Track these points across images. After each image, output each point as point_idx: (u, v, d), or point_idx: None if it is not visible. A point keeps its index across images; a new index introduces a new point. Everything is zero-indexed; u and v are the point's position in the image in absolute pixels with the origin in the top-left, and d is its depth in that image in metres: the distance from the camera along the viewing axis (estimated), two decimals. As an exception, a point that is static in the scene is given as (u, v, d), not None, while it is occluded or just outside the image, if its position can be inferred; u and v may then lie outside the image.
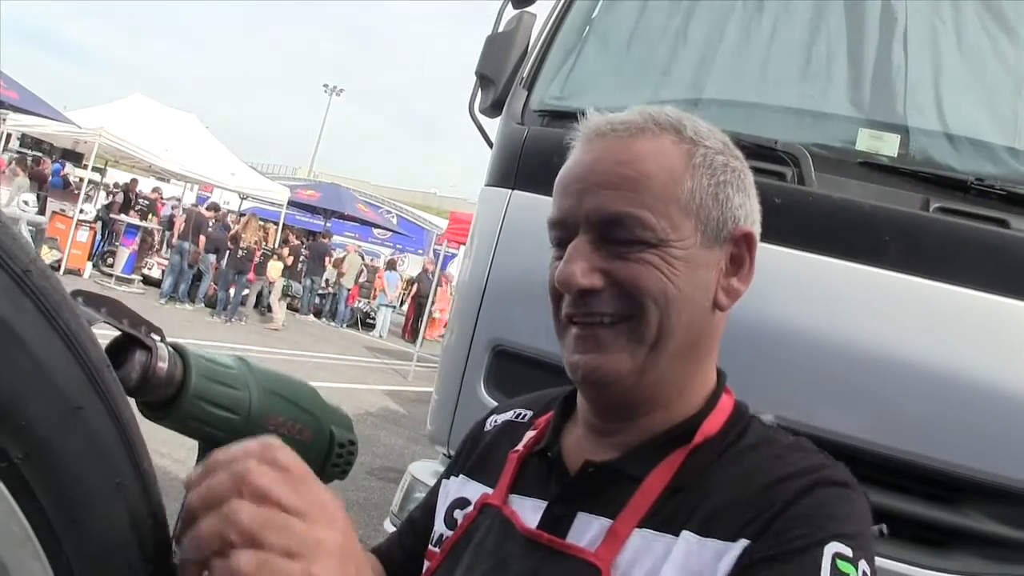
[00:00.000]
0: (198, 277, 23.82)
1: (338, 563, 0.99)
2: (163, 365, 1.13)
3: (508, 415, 1.95)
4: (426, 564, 1.76)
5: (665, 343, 1.49)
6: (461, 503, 1.78)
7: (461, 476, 1.86)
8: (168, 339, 1.18)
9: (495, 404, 3.76)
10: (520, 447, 1.76)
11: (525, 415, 1.91)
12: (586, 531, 1.49)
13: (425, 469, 4.31)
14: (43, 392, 0.86)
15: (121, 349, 1.11)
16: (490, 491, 1.72)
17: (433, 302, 26.81)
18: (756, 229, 1.60)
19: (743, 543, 1.32)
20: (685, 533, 1.38)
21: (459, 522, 1.73)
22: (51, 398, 0.87)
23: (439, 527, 1.80)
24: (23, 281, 0.85)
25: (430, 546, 1.80)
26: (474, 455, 1.89)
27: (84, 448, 0.91)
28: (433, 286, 26.83)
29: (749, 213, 1.59)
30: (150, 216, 29.09)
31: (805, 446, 1.52)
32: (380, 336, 30.21)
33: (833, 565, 1.26)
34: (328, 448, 1.42)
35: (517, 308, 3.91)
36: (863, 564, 1.29)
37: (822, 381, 3.30)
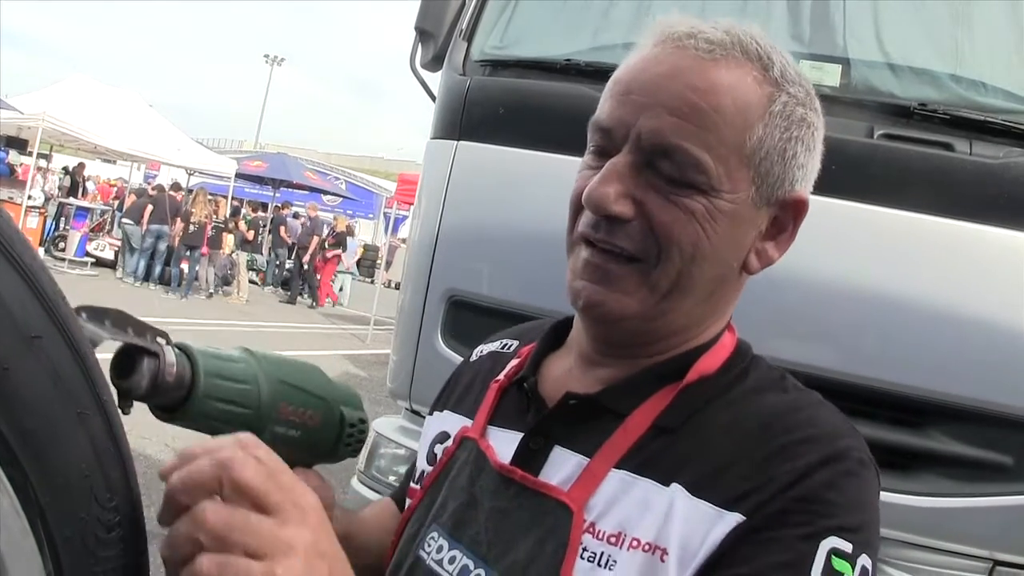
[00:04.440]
0: (152, 256, 23.61)
1: (305, 563, 0.98)
2: (171, 370, 1.12)
3: (494, 345, 1.85)
4: (408, 503, 1.70)
5: (679, 296, 1.37)
6: (442, 437, 1.70)
7: (445, 411, 1.77)
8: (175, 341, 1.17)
9: (454, 356, 3.83)
10: (501, 377, 1.66)
11: (511, 345, 1.80)
12: (561, 468, 1.39)
13: (389, 425, 4.32)
14: (1, 321, 0.86)
15: (128, 357, 1.10)
16: (469, 423, 1.62)
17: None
18: (808, 194, 1.44)
19: (737, 518, 1.21)
20: (676, 487, 1.27)
21: (439, 457, 1.65)
22: (9, 327, 0.87)
23: (421, 463, 1.73)
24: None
25: (412, 483, 1.73)
26: (458, 389, 1.80)
27: (44, 377, 0.91)
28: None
29: (807, 176, 1.43)
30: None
31: (818, 400, 1.40)
32: (341, 304, 30.10)
33: (827, 563, 1.16)
34: (339, 429, 1.40)
35: (470, 258, 3.93)
36: (863, 559, 1.19)
37: (778, 314, 3.32)
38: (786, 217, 1.44)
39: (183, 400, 1.14)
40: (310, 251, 26.93)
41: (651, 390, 1.40)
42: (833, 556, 1.16)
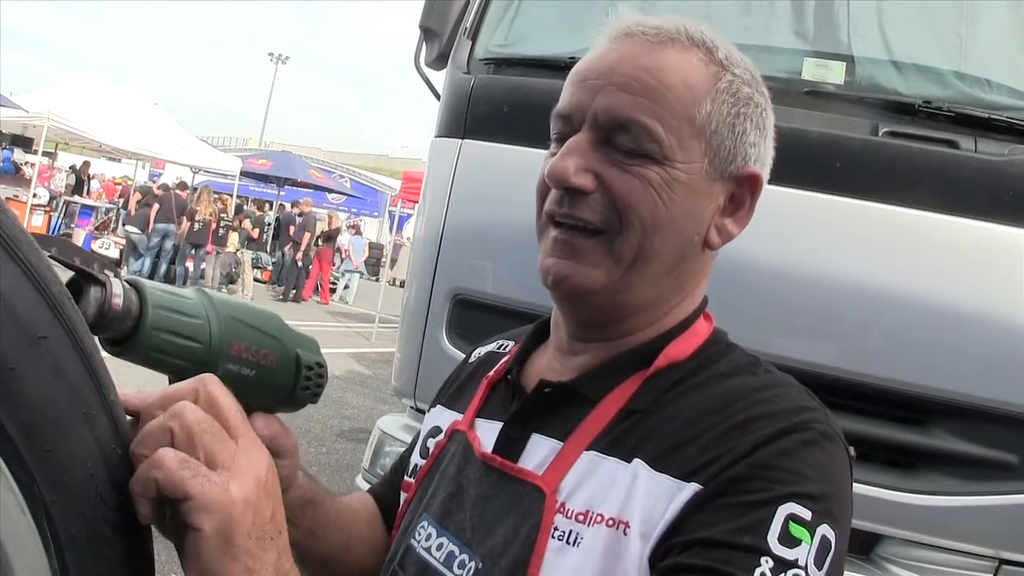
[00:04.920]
0: (158, 255, 23.60)
1: (255, 490, 1.07)
2: (118, 299, 1.11)
3: (491, 346, 1.92)
4: (403, 496, 1.74)
5: (643, 266, 1.42)
6: (434, 432, 1.77)
7: (439, 407, 1.84)
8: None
9: (458, 353, 3.82)
10: (492, 372, 1.73)
11: (506, 345, 1.87)
12: (537, 453, 1.46)
13: (393, 423, 4.33)
14: (7, 322, 0.86)
15: (76, 288, 1.10)
16: (461, 417, 1.69)
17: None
18: (765, 173, 1.51)
19: (694, 487, 1.24)
20: (637, 462, 1.32)
21: (431, 451, 1.71)
22: (15, 328, 0.87)
23: (414, 457, 1.80)
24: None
25: (406, 477, 1.80)
26: (454, 386, 1.87)
27: (50, 377, 0.91)
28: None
29: (761, 155, 1.49)
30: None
31: (788, 382, 1.42)
32: (346, 302, 30.04)
33: (784, 528, 1.17)
34: (295, 371, 1.38)
35: (475, 256, 3.93)
36: (824, 529, 1.19)
37: (782, 312, 3.32)
38: (742, 193, 1.49)
39: (132, 332, 1.14)
40: (303, 247, 26.83)
41: (622, 376, 1.46)
42: (791, 522, 1.18)
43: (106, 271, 1.11)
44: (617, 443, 1.37)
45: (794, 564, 1.16)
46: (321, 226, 28.10)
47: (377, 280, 32.68)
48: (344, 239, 31.65)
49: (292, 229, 28.26)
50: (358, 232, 34.43)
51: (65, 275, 1.06)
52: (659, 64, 1.40)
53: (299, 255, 27.03)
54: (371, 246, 41.68)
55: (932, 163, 3.28)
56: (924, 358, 3.23)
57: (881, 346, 3.28)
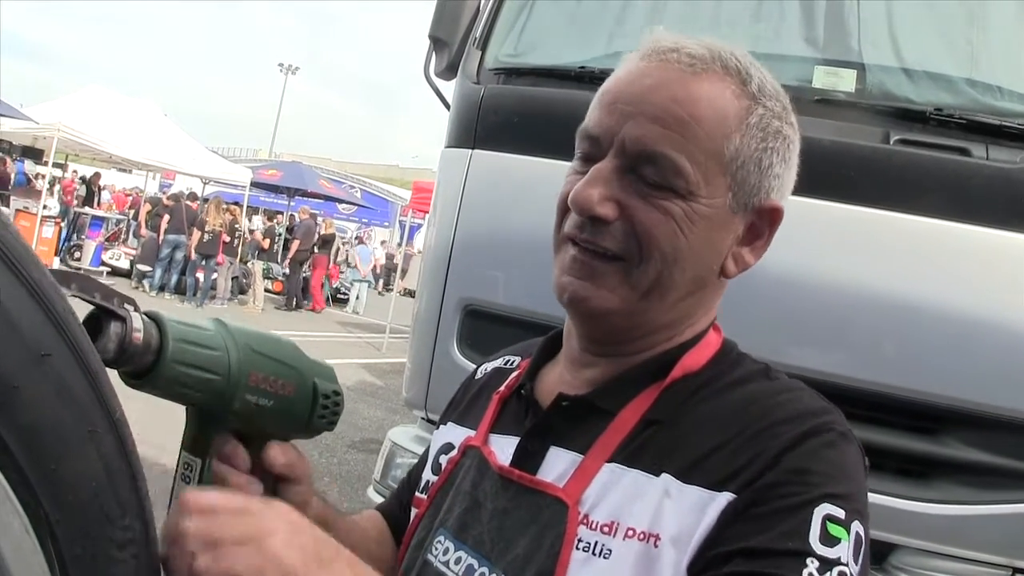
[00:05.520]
0: (168, 266, 23.63)
1: (287, 536, 1.11)
2: (138, 334, 1.12)
3: (498, 362, 1.92)
4: (414, 512, 1.75)
5: (659, 295, 1.44)
6: (446, 448, 1.76)
7: (449, 424, 1.85)
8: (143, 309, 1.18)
9: (469, 365, 3.81)
10: (502, 388, 1.74)
11: (513, 361, 1.87)
12: (557, 466, 1.46)
13: (405, 434, 4.32)
14: (10, 339, 0.86)
15: (95, 323, 1.11)
16: (473, 434, 1.70)
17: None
18: (784, 204, 1.52)
19: (727, 496, 1.27)
20: (666, 476, 1.33)
21: (444, 467, 1.71)
22: (18, 345, 0.87)
23: (426, 474, 1.79)
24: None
25: (417, 493, 1.79)
26: (463, 403, 1.87)
27: (54, 395, 0.91)
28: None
29: (783, 186, 1.51)
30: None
31: (799, 386, 1.45)
32: (356, 312, 30.05)
33: (823, 529, 1.21)
34: (312, 400, 1.41)
35: (486, 266, 3.93)
36: (856, 526, 1.24)
37: (795, 321, 3.31)
38: (762, 224, 1.51)
39: (152, 366, 1.15)
40: (291, 253, 26.82)
41: (639, 388, 1.48)
42: (828, 522, 1.22)
43: (126, 305, 1.13)
44: (639, 454, 1.39)
45: (837, 562, 1.20)
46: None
47: (389, 290, 32.62)
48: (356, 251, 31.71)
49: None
50: (362, 242, 34.45)
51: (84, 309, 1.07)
52: (692, 96, 1.39)
53: (286, 262, 27.05)
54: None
55: (944, 171, 3.27)
56: (936, 366, 3.22)
57: (893, 354, 3.26)
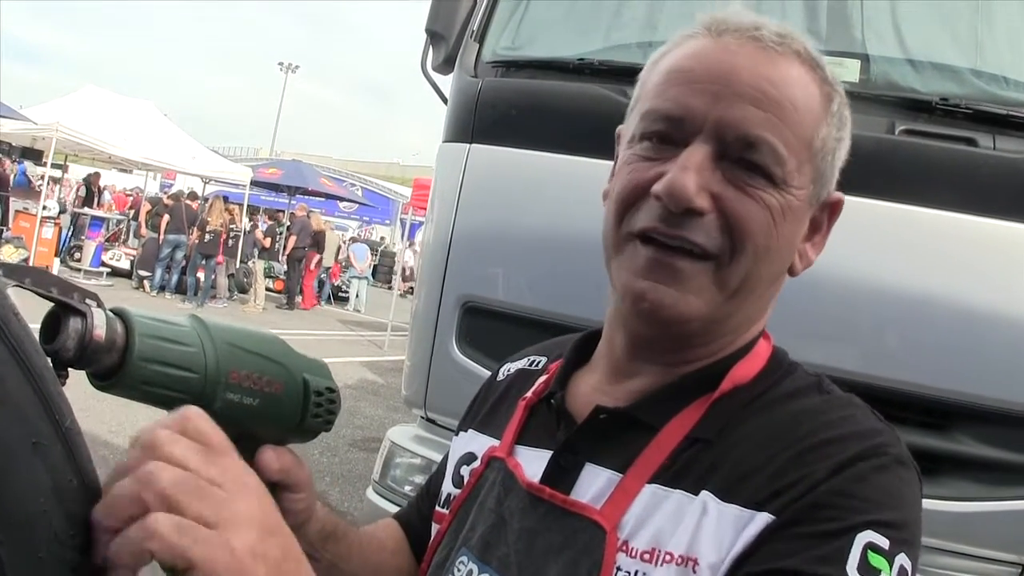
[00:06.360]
0: (169, 266, 23.68)
1: (258, 536, 0.96)
2: (100, 331, 1.04)
3: (521, 363, 1.79)
4: (435, 527, 1.64)
5: (745, 295, 1.34)
6: (468, 459, 1.65)
7: (470, 431, 1.72)
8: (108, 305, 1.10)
9: (469, 362, 3.78)
10: (529, 394, 1.61)
11: (539, 362, 1.74)
12: (592, 485, 1.34)
13: (404, 434, 4.29)
14: None
15: (55, 321, 1.04)
16: (497, 443, 1.58)
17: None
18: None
19: (766, 517, 1.17)
20: (705, 494, 1.23)
21: (466, 479, 1.60)
22: None
23: (446, 486, 1.68)
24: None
25: (438, 507, 1.68)
26: (484, 408, 1.75)
27: None
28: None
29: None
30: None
31: (855, 403, 1.34)
32: (357, 310, 30.07)
33: (863, 557, 1.11)
34: (304, 398, 1.31)
35: (485, 263, 3.90)
36: (901, 559, 1.14)
37: (797, 315, 3.26)
38: (822, 217, 1.43)
39: (118, 365, 1.07)
40: (287, 251, 26.83)
41: (685, 401, 1.36)
42: (869, 551, 1.12)
43: (87, 300, 1.04)
44: (682, 475, 1.27)
45: None
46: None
47: (390, 288, 32.62)
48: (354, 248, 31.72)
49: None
50: (355, 240, 34.49)
51: (44, 308, 1.01)
52: (784, 77, 1.29)
53: (282, 259, 27.06)
54: (383, 253, 41.75)
55: (950, 161, 3.24)
56: (944, 361, 3.19)
57: (900, 349, 3.23)
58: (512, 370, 1.79)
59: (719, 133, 1.28)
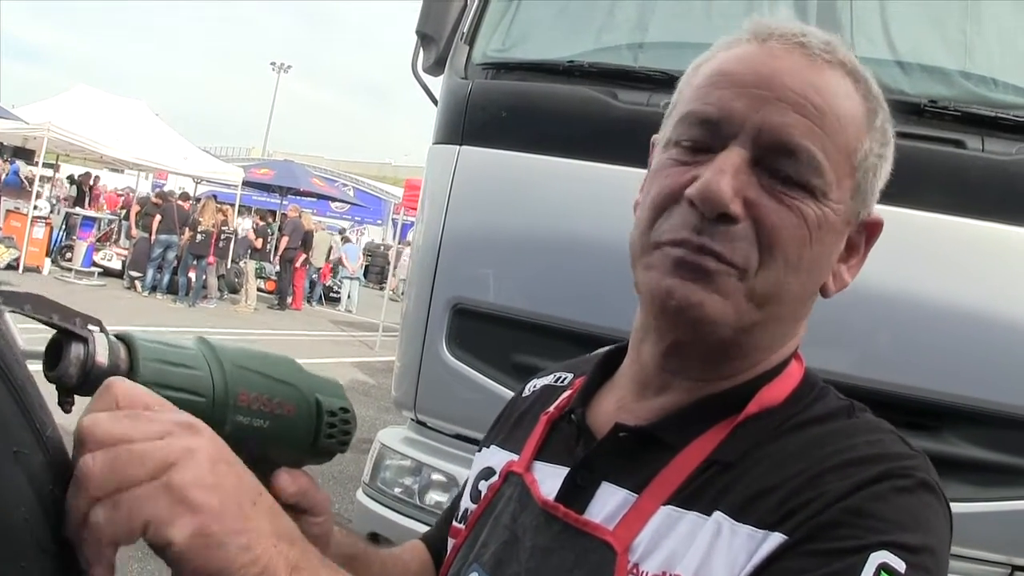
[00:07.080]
0: (160, 266, 23.65)
1: (209, 466, 0.95)
2: (102, 357, 1.03)
3: (548, 379, 1.74)
4: (451, 543, 1.62)
5: (773, 309, 1.29)
6: (487, 473, 1.61)
7: (492, 447, 1.68)
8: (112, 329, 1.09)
9: (459, 364, 3.78)
10: (551, 409, 1.57)
11: (565, 378, 1.69)
12: (607, 504, 1.31)
13: (393, 436, 4.28)
14: None
15: (57, 348, 1.03)
16: (516, 458, 1.54)
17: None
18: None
19: (778, 538, 1.13)
20: (718, 515, 1.19)
21: (483, 494, 1.57)
22: None
23: (464, 501, 1.65)
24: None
25: (455, 522, 1.65)
26: (508, 424, 1.71)
27: None
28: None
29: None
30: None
31: (885, 427, 1.28)
32: (349, 310, 30.07)
33: None
34: (317, 419, 1.29)
35: (475, 264, 3.89)
36: None
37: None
38: (859, 239, 1.38)
39: None
40: (279, 252, 26.82)
41: (710, 422, 1.32)
42: (883, 572, 1.06)
43: (89, 326, 1.03)
44: (697, 496, 1.24)
45: None
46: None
47: (382, 289, 32.60)
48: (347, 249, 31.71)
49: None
50: (347, 240, 34.47)
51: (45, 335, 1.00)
52: (828, 86, 1.26)
53: (276, 259, 27.04)
54: (374, 253, 41.71)
55: (939, 163, 3.24)
56: (934, 362, 3.20)
57: (890, 351, 3.24)
58: (538, 387, 1.75)
59: (758, 138, 1.24)
